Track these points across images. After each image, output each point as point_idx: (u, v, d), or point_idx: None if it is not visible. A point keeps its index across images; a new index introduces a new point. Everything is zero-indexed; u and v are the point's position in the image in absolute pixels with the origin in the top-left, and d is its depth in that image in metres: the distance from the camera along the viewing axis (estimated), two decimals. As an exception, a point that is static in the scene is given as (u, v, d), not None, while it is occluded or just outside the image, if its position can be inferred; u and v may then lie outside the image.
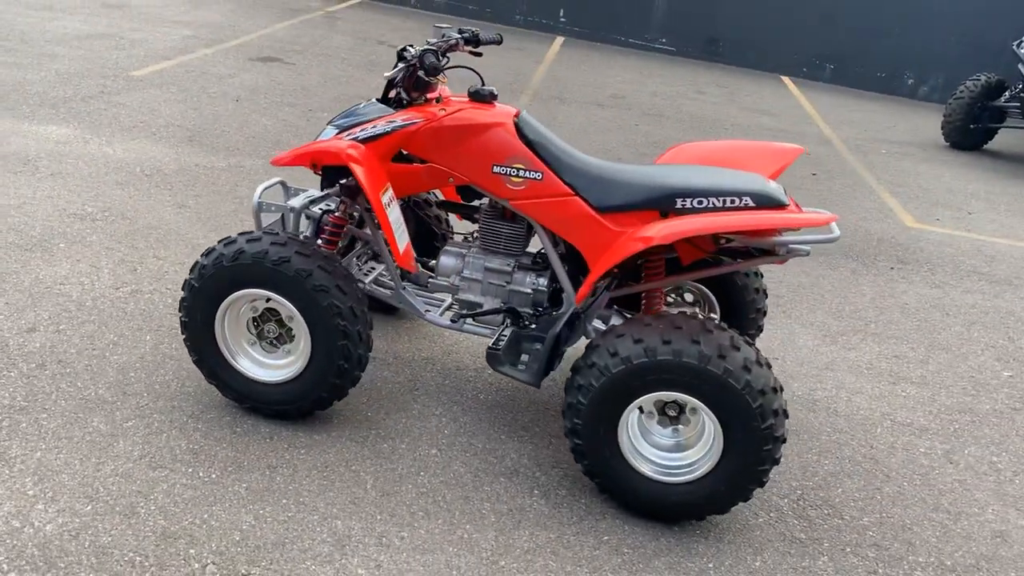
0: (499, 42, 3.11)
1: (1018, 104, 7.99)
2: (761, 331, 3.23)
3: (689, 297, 3.23)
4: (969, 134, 8.26)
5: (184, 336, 2.67)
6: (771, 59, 11.14)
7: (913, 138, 8.68)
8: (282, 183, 3.02)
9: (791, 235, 2.46)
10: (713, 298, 3.16)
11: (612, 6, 11.32)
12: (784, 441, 2.38)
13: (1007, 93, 8.19)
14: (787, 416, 2.40)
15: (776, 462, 2.39)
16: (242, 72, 7.19)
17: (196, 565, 2.15)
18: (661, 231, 2.30)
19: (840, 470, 2.93)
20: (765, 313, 3.21)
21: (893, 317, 4.29)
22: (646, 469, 2.47)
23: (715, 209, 2.46)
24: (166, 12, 9.06)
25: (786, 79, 10.94)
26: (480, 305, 2.86)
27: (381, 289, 3.01)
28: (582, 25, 11.45)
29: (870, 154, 7.75)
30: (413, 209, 3.24)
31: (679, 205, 2.49)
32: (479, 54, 3.01)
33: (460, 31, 2.93)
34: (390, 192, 2.61)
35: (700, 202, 2.47)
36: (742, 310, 3.13)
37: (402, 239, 2.63)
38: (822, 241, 2.46)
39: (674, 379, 2.33)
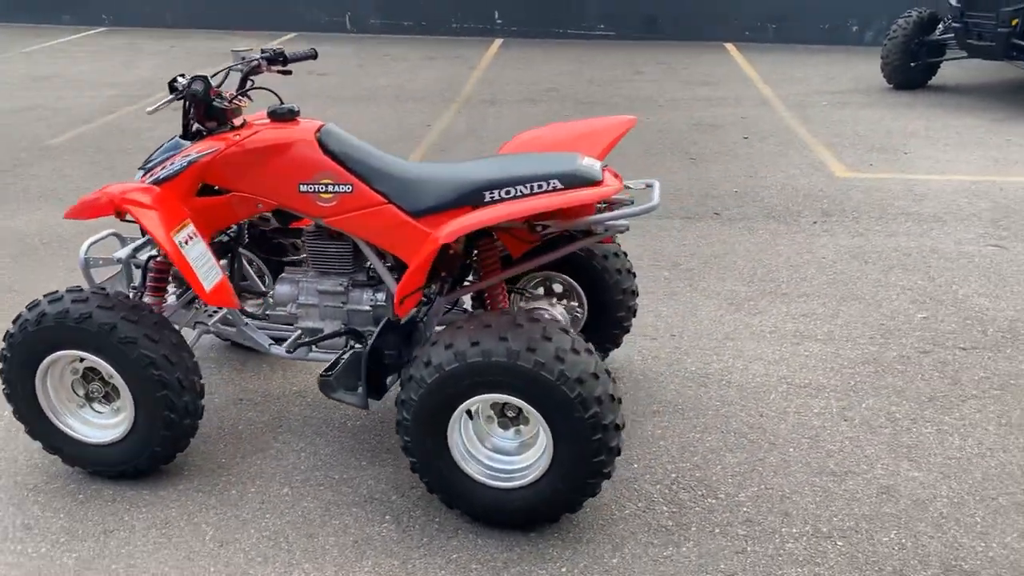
0: (313, 57, 3.02)
1: (952, 35, 7.78)
2: (634, 313, 3.11)
3: (558, 288, 3.11)
4: (910, 72, 8.06)
5: (12, 407, 2.59)
6: (712, 29, 10.98)
7: (856, 86, 8.49)
8: (115, 234, 2.93)
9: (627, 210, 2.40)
10: (579, 288, 3.04)
11: (546, 0, 11.23)
12: (619, 428, 2.25)
13: (941, 26, 7.99)
14: (619, 401, 2.27)
15: (614, 451, 2.26)
16: (163, 124, 7.15)
17: (7, 651, 2.06)
18: (445, 230, 2.19)
19: (722, 445, 2.79)
20: (635, 294, 3.09)
21: (807, 274, 4.13)
22: (482, 477, 2.35)
23: (522, 196, 2.34)
24: (96, 77, 9.08)
25: (729, 46, 10.77)
26: (322, 330, 2.76)
27: (227, 328, 2.92)
28: (519, 24, 11.35)
29: (808, 108, 7.57)
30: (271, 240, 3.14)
31: (487, 198, 2.38)
32: (288, 72, 2.90)
33: (262, 51, 2.83)
34: (188, 230, 2.51)
35: (507, 192, 2.36)
36: (607, 295, 3.00)
37: (209, 276, 2.52)
38: (640, 212, 2.34)
39: (490, 380, 2.21)
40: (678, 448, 2.78)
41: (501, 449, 2.41)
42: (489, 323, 2.25)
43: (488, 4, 11.35)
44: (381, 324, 2.57)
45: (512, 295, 3.03)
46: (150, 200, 2.48)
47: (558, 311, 2.81)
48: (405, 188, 2.49)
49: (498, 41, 11.15)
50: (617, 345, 3.16)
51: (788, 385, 3.14)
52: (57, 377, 2.57)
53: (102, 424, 2.62)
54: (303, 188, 2.53)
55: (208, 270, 2.53)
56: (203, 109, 2.60)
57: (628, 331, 3.14)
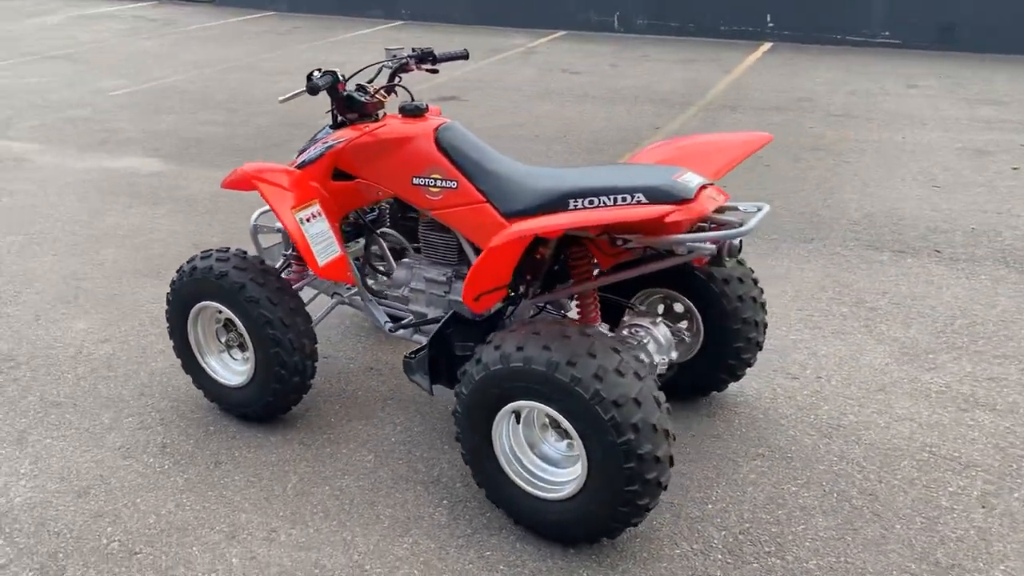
0: (464, 57, 3.16)
1: None
2: (758, 347, 2.88)
3: (679, 308, 2.97)
4: None
5: (172, 343, 3.06)
6: (1021, 42, 9.53)
7: None
8: None
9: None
10: (696, 311, 2.88)
11: (825, 3, 10.47)
12: (660, 461, 2.13)
13: None
14: (666, 434, 2.15)
15: (653, 484, 2.14)
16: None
17: (104, 541, 2.46)
18: (501, 236, 2.20)
19: (818, 505, 2.51)
20: (761, 325, 2.86)
21: (1018, 333, 3.51)
22: (522, 481, 2.35)
23: (602, 207, 2.30)
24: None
25: (1042, 60, 9.28)
26: (427, 315, 2.91)
27: (357, 300, 3.18)
28: (792, 28, 10.71)
29: (1115, 139, 6.32)
30: None
31: (571, 206, 2.36)
32: (435, 71, 3.08)
33: (412, 50, 3.03)
34: (313, 209, 2.77)
35: (591, 202, 2.33)
36: (724, 322, 2.81)
37: (326, 252, 2.77)
38: (724, 236, 2.20)
39: (529, 387, 2.20)
40: (765, 498, 2.55)
41: (548, 458, 2.39)
42: (539, 331, 2.24)
43: (761, 6, 10.84)
44: (446, 316, 2.66)
45: (626, 309, 2.95)
46: (284, 180, 2.78)
47: (660, 331, 2.70)
48: (503, 189, 2.54)
49: (765, 45, 10.62)
50: (736, 378, 2.94)
51: (930, 454, 2.73)
52: (204, 323, 2.98)
53: (234, 369, 3.00)
54: (415, 180, 2.68)
55: (326, 246, 2.78)
56: (342, 102, 2.85)
57: (749, 364, 2.91)
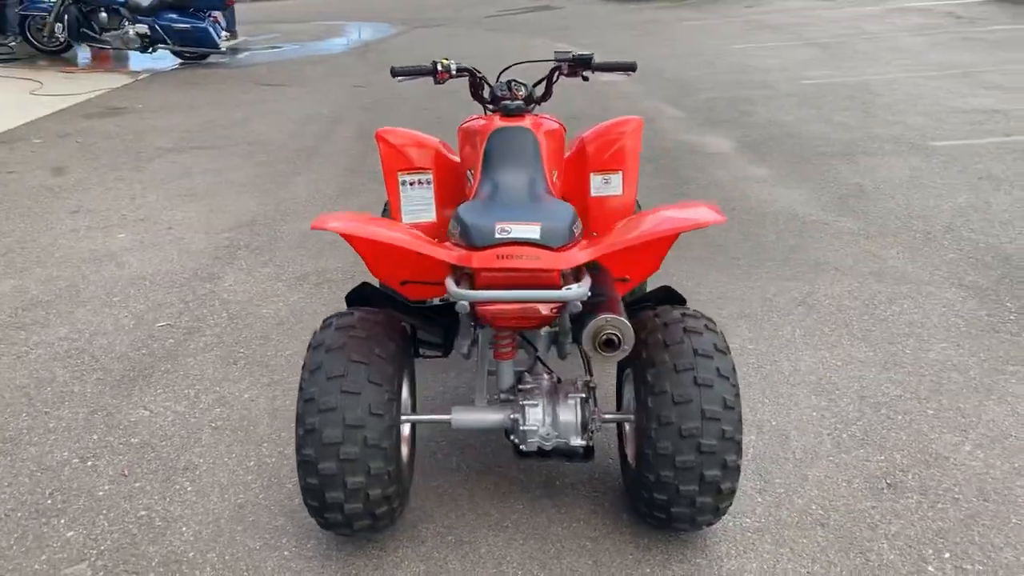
0: (631, 69, 2.95)
1: None
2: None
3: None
4: None
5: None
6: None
7: None
8: None
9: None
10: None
11: None
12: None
13: None
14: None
15: None
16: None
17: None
18: None
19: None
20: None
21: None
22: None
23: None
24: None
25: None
26: None
27: None
28: None
29: None
30: None
31: None
32: (586, 79, 2.94)
33: (571, 56, 2.87)
34: (423, 176, 2.97)
35: None
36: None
37: (414, 214, 2.94)
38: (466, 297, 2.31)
39: None
40: (794, 526, 2.47)
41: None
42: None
43: None
44: None
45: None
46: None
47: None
48: None
49: None
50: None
51: (968, 484, 2.63)
52: None
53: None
54: (468, 173, 2.69)
55: (419, 210, 2.88)
56: (472, 91, 2.88)
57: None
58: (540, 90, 2.91)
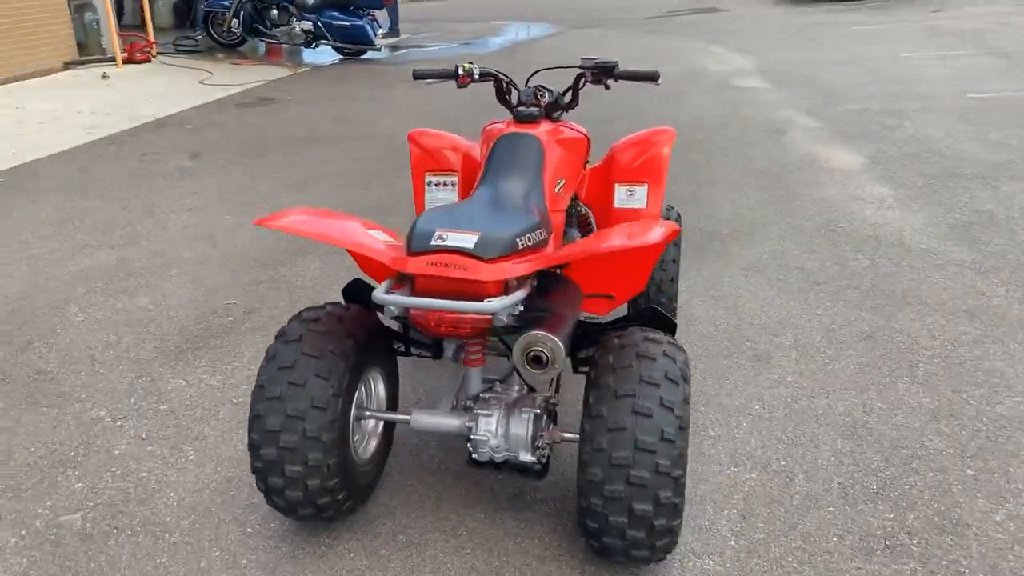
0: (653, 79, 2.81)
1: None
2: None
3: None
4: None
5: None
6: None
7: None
8: None
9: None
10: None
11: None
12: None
13: None
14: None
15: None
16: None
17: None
18: None
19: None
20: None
21: None
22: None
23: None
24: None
25: None
26: None
27: None
28: None
29: None
30: None
31: None
32: (607, 87, 2.85)
33: (595, 63, 2.83)
34: (449, 178, 3.06)
35: None
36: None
37: None
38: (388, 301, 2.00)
39: None
40: None
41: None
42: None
43: None
44: None
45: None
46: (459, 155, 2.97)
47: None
48: None
49: None
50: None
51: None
52: None
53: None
54: None
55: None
56: (498, 96, 2.90)
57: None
58: (568, 97, 2.85)
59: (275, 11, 11.11)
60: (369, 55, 11.59)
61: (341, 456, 2.14)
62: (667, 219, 3.04)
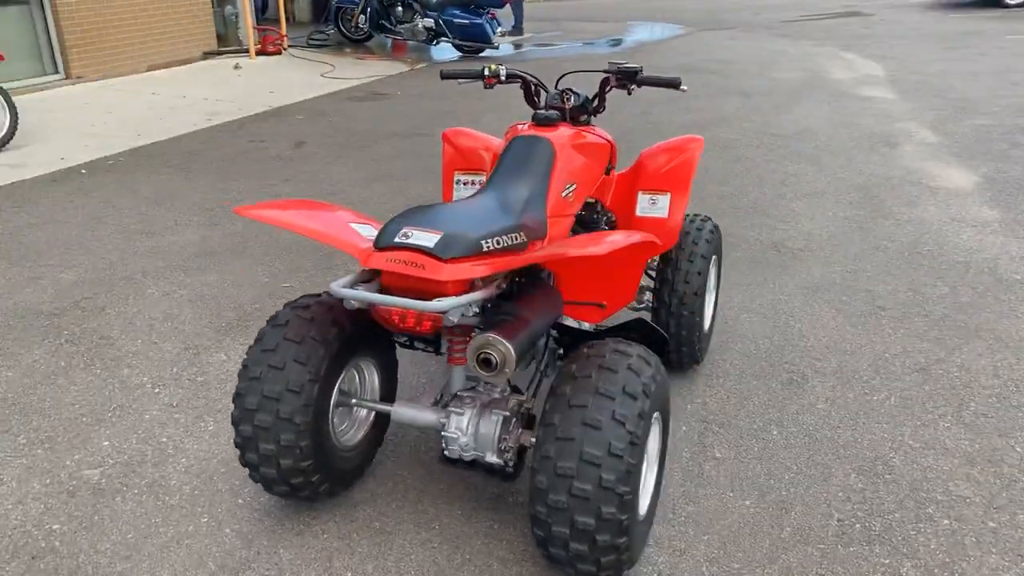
0: (675, 86, 2.76)
1: None
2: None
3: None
4: None
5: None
6: None
7: None
8: None
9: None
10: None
11: None
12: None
13: None
14: None
15: None
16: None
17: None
18: None
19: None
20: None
21: None
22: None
23: None
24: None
25: None
26: None
27: None
28: None
29: None
30: None
31: None
32: (629, 92, 2.88)
33: (619, 68, 2.83)
34: (477, 177, 3.11)
35: None
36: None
37: None
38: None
39: None
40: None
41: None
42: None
43: None
44: None
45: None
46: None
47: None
48: None
49: None
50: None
51: None
52: None
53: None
54: None
55: None
56: (527, 98, 2.90)
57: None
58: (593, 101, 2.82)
59: (400, 8, 11.47)
60: (487, 52, 11.77)
61: (316, 439, 2.21)
62: (686, 232, 2.96)
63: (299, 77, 9.71)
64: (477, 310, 1.99)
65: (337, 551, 2.28)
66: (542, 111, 2.65)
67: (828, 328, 3.52)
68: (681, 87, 2.71)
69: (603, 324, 2.66)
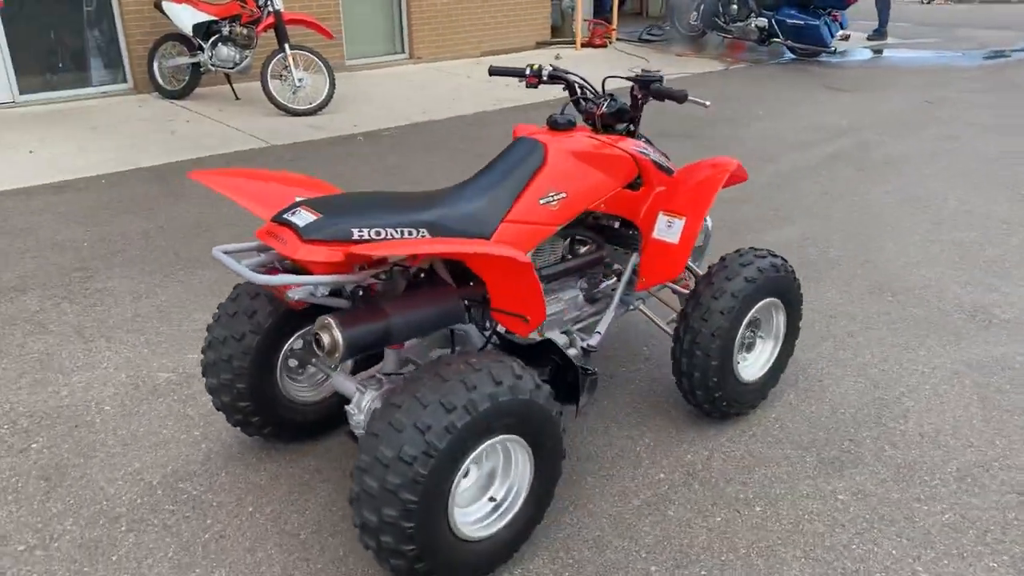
0: (680, 99, 2.59)
1: None
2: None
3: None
4: None
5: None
6: None
7: None
8: None
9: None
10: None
11: None
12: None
13: None
14: None
15: None
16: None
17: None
18: None
19: None
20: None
21: None
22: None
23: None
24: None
25: None
26: None
27: None
28: None
29: None
30: None
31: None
32: (645, 101, 2.75)
33: (641, 75, 2.75)
34: None
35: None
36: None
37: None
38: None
39: None
40: None
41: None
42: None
43: None
44: None
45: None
46: None
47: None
48: None
49: None
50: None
51: None
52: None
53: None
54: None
55: None
56: (571, 100, 2.86)
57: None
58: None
59: (735, 6, 11.10)
60: (823, 58, 10.89)
61: (255, 384, 2.48)
62: (725, 264, 2.64)
63: (598, 69, 9.98)
64: (326, 292, 2.08)
65: (262, 488, 2.54)
66: (556, 115, 2.58)
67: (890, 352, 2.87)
68: (701, 102, 2.44)
69: (531, 338, 2.52)
